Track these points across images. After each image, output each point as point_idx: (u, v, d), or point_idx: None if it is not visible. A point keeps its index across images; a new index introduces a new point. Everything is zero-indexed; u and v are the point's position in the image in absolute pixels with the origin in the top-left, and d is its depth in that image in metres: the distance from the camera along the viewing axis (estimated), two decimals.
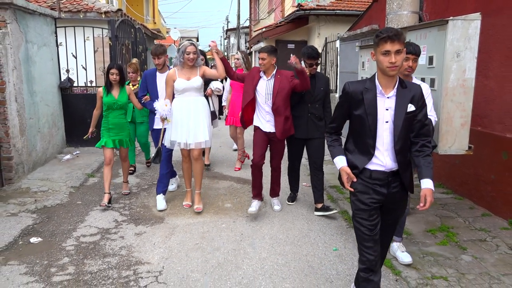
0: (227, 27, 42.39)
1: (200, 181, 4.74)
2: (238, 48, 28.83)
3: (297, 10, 11.99)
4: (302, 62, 4.34)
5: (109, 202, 4.81)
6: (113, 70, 4.76)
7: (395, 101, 2.34)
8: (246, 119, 4.57)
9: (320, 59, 4.52)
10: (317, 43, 12.01)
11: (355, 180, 2.44)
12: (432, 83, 3.44)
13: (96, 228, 4.26)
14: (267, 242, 3.96)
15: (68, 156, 6.86)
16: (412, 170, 2.57)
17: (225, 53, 44.27)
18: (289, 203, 4.99)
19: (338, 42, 9.58)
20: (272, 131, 4.42)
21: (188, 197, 4.86)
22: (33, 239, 3.97)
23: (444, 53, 3.26)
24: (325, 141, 2.69)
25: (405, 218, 3.61)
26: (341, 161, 2.50)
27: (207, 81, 6.09)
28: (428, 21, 3.73)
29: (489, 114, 4.47)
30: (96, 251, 3.76)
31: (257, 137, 4.51)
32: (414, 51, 3.10)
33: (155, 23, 23.70)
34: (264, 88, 4.37)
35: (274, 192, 4.88)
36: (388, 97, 2.35)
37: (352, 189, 2.46)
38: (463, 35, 3.22)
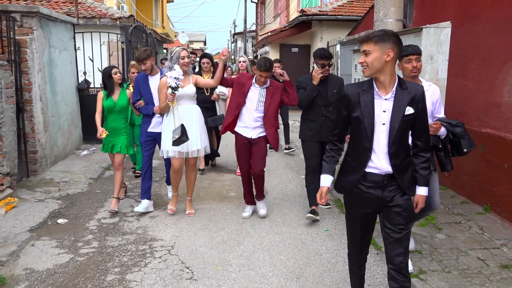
0: (234, 31, 43.05)
1: (192, 189, 4.76)
2: (245, 52, 29.41)
3: (301, 16, 12.51)
4: (314, 64, 4.33)
5: (126, 192, 5.31)
6: (116, 70, 4.78)
7: (393, 102, 2.30)
8: (232, 124, 4.51)
9: (333, 59, 4.32)
10: (320, 47, 12.50)
11: (324, 200, 2.52)
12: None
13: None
14: (266, 224, 4.46)
15: (85, 152, 7.42)
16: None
17: (232, 57, 44.86)
18: (314, 217, 4.47)
19: (338, 46, 10.08)
20: (254, 137, 4.40)
21: (174, 201, 4.75)
22: (60, 220, 4.51)
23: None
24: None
25: None
26: (325, 181, 2.53)
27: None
28: (407, 28, 4.22)
29: (468, 111, 4.94)
30: (116, 230, 4.29)
31: (240, 149, 4.51)
32: (413, 51, 3.13)
33: (163, 27, 24.35)
34: (257, 95, 4.35)
35: (259, 196, 4.67)
36: (385, 99, 2.31)
37: (324, 203, 2.58)
38: (436, 40, 3.71)
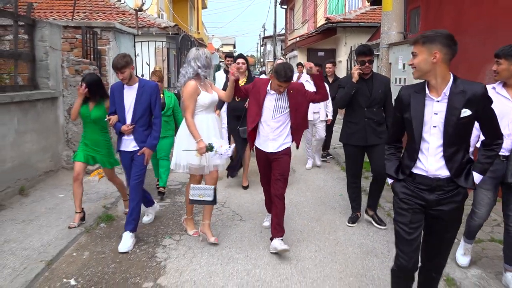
0: (264, 34, 44.50)
1: (211, 210, 4.16)
2: (274, 55, 30.86)
3: (326, 23, 13.77)
4: (355, 62, 4.69)
5: (83, 219, 4.40)
6: (83, 83, 4.16)
7: (447, 105, 2.19)
8: (254, 139, 4.04)
9: (373, 56, 4.07)
10: (344, 51, 13.75)
11: None
12: (404, 81, 5.18)
13: (176, 182, 6.24)
14: (294, 191, 5.80)
15: None
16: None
17: (261, 60, 46.33)
18: (350, 225, 4.47)
19: None
20: (274, 151, 3.85)
21: (192, 223, 4.38)
22: None
23: None
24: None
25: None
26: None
27: None
28: (405, 39, 5.46)
29: None
30: (181, 192, 5.73)
31: (261, 165, 4.07)
32: (496, 53, 2.95)
33: (198, 32, 26.03)
34: (273, 102, 3.79)
35: (277, 231, 3.77)
36: (437, 101, 2.22)
37: None
38: None
